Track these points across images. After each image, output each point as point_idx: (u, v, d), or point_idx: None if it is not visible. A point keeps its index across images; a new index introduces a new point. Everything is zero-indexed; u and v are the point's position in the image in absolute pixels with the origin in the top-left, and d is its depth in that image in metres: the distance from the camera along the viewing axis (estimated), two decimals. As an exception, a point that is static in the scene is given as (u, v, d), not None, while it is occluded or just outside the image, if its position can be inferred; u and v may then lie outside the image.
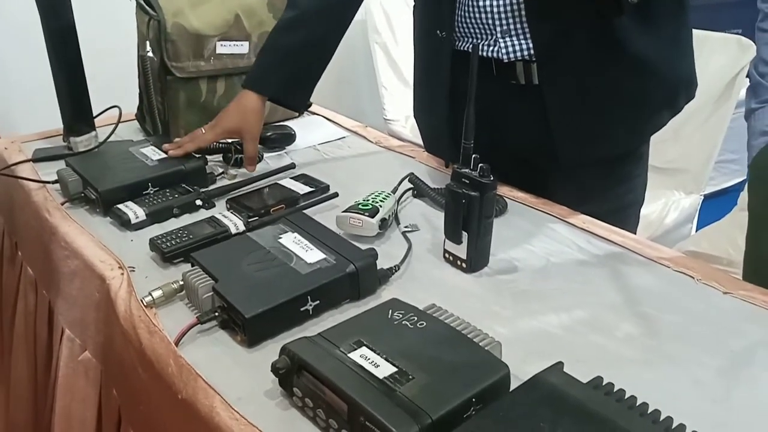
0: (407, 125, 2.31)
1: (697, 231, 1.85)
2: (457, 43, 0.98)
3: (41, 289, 1.04)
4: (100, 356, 0.86)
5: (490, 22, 0.92)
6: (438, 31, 0.98)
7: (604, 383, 0.55)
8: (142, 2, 1.11)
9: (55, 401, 0.93)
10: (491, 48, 0.94)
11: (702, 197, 1.92)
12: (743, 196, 1.66)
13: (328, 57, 1.06)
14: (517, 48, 0.92)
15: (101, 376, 0.86)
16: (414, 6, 1.08)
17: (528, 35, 0.91)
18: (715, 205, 2.03)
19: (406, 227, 0.91)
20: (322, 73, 1.06)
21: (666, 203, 1.83)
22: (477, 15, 0.93)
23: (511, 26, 0.91)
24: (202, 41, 1.13)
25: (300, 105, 1.11)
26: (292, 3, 1.03)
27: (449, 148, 1.02)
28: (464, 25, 0.96)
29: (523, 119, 0.98)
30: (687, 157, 1.84)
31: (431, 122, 1.11)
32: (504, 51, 0.93)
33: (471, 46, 0.83)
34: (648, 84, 0.93)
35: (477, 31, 0.95)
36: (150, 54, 1.11)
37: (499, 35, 0.93)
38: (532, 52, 0.91)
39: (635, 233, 1.02)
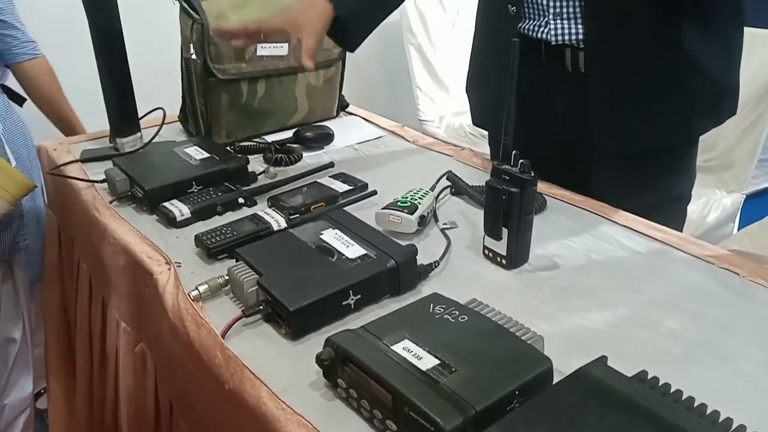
0: (442, 126, 2.31)
1: (739, 230, 1.81)
2: (518, 23, 0.98)
3: (95, 284, 1.08)
4: (152, 348, 0.88)
5: (544, 2, 0.93)
6: (509, 6, 0.98)
7: (649, 377, 0.55)
8: (186, 6, 1.13)
9: (119, 390, 0.96)
10: (542, 30, 0.94)
11: (744, 196, 1.88)
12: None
13: (392, 8, 1.07)
14: (566, 31, 0.92)
15: (154, 367, 0.89)
16: None
17: (580, 19, 0.91)
18: (758, 204, 1.99)
19: (444, 224, 0.92)
20: (380, 23, 1.06)
21: (707, 202, 1.80)
22: None
23: (564, 9, 0.92)
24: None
25: (353, 42, 1.07)
26: None
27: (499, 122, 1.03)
28: (526, 3, 0.96)
29: (569, 107, 0.98)
30: (729, 155, 1.81)
31: (484, 94, 1.11)
32: (553, 33, 0.93)
33: (513, 41, 0.84)
34: (694, 87, 0.92)
35: (532, 11, 0.95)
36: (194, 56, 1.14)
37: (551, 16, 0.93)
38: (581, 37, 0.92)
39: (681, 229, 1.01)
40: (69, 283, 1.25)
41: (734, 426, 0.50)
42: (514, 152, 0.76)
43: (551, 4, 0.92)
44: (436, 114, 2.34)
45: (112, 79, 1.14)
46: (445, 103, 2.31)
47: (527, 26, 0.97)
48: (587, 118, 0.94)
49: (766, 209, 1.70)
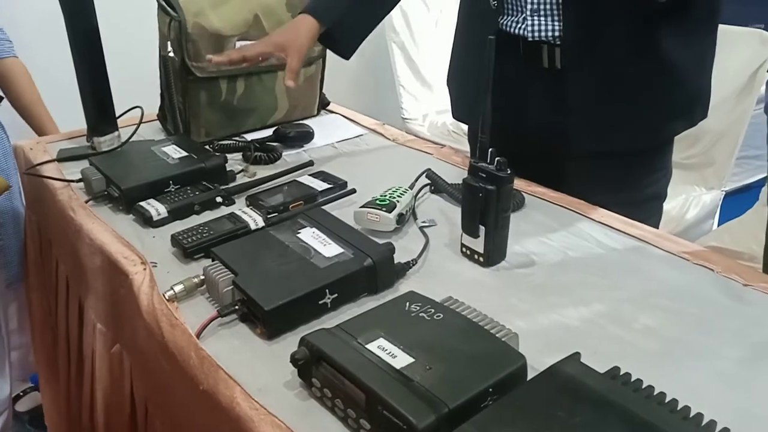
0: (425, 124, 2.32)
1: (719, 227, 1.83)
2: (498, 18, 0.99)
3: (72, 284, 1.07)
4: (127, 349, 0.88)
5: None
6: (491, 1, 0.98)
7: (621, 373, 0.55)
8: (164, 3, 1.12)
9: (95, 391, 0.95)
10: (519, 25, 0.95)
11: (723, 193, 1.89)
12: (765, 192, 1.64)
13: (387, 12, 1.10)
14: (543, 28, 0.93)
15: (130, 368, 0.88)
16: None
17: (558, 16, 0.91)
18: (738, 201, 2.00)
19: (423, 222, 0.92)
20: (375, 27, 1.08)
21: (687, 199, 1.82)
22: None
23: (541, 5, 0.92)
24: (221, 41, 1.15)
25: (347, 50, 1.10)
26: None
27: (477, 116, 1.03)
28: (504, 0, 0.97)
29: (545, 103, 0.98)
30: (708, 152, 1.82)
31: (462, 87, 1.12)
32: (530, 29, 0.93)
33: (488, 39, 0.84)
34: (669, 90, 0.93)
35: (511, 6, 0.96)
36: (171, 54, 1.13)
37: (528, 12, 0.93)
38: (557, 33, 0.92)
39: (657, 226, 1.01)
40: (49, 283, 1.24)
41: (705, 421, 0.50)
42: (490, 150, 0.77)
43: (528, 0, 0.92)
44: (420, 112, 2.34)
45: (89, 77, 1.13)
46: (429, 101, 2.31)
47: (506, 22, 0.97)
48: (563, 115, 0.94)
49: (746, 206, 1.72)
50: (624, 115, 0.93)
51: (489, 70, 0.75)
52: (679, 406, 0.52)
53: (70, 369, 1.10)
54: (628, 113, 0.93)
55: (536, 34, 0.93)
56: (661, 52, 0.89)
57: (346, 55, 1.11)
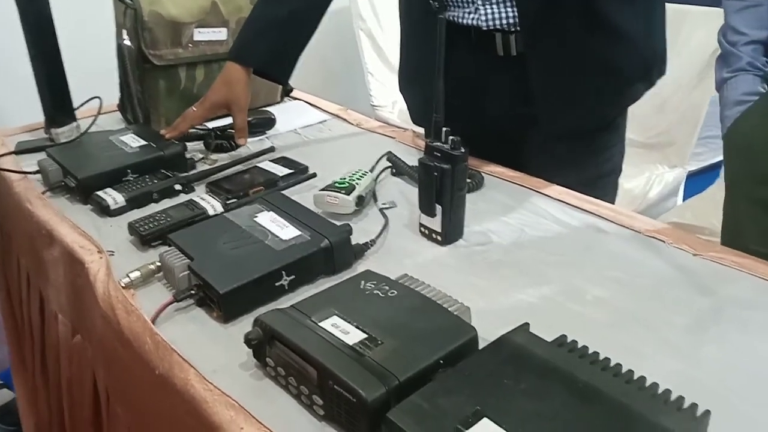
0: (395, 110, 2.32)
1: (681, 204, 1.86)
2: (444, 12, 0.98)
3: (32, 277, 1.06)
4: (88, 338, 0.87)
5: None
6: (431, 1, 0.98)
7: (568, 341, 0.56)
8: (118, -9, 1.11)
9: (59, 383, 0.94)
10: (471, 16, 0.95)
11: (686, 171, 1.92)
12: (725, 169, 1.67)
13: (312, 29, 1.07)
14: (497, 16, 0.93)
15: (91, 357, 0.88)
16: None
17: (510, 3, 0.91)
18: (702, 180, 2.04)
19: (383, 204, 0.92)
20: (305, 45, 1.07)
21: (650, 177, 1.84)
22: None
23: None
24: (179, 29, 1.14)
25: (283, 77, 1.11)
26: None
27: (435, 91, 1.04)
28: None
29: (502, 90, 0.98)
30: (670, 131, 1.85)
31: (420, 92, 1.11)
32: (483, 18, 0.94)
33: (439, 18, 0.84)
34: (625, 55, 0.94)
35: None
36: (127, 42, 1.11)
37: (480, 2, 0.93)
38: (512, 20, 0.92)
39: (614, 201, 1.03)
40: (11, 277, 1.22)
41: (648, 383, 0.52)
42: (444, 129, 0.77)
43: None
44: (389, 99, 2.34)
45: (44, 67, 1.11)
46: (397, 88, 2.31)
47: (454, 14, 0.96)
48: (521, 100, 0.95)
49: (710, 185, 1.74)
50: (587, 90, 0.94)
51: (440, 51, 0.75)
52: (623, 371, 0.53)
53: (35, 362, 1.09)
54: (591, 87, 0.94)
55: (490, 23, 0.93)
56: (612, 22, 0.90)
57: (282, 81, 1.15)
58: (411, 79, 1.13)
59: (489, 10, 0.93)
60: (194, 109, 1.06)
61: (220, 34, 1.18)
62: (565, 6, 0.89)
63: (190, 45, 1.15)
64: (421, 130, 1.16)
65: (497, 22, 0.93)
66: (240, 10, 1.20)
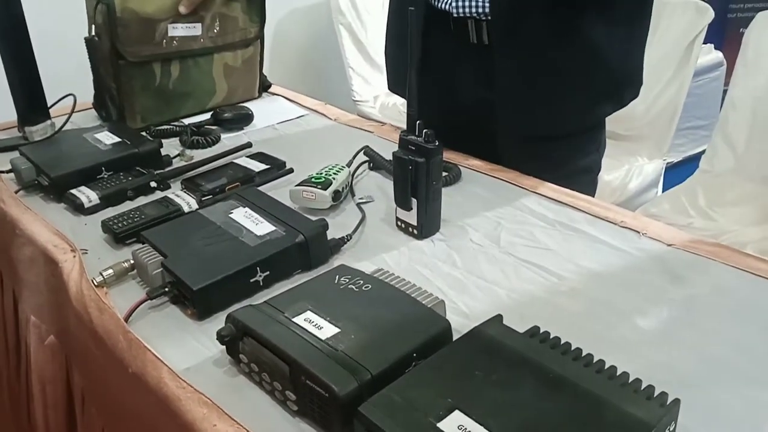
0: (376, 105, 2.31)
1: (660, 195, 1.87)
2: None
3: (6, 278, 1.04)
4: (62, 339, 0.86)
5: None
6: None
7: (540, 332, 0.56)
8: (90, -14, 1.09)
9: (30, 386, 0.93)
10: (446, 0, 0.94)
11: (665, 162, 1.94)
12: (705, 158, 1.69)
13: None
14: (469, 3, 0.92)
15: (66, 358, 0.87)
16: None
17: None
18: (683, 172, 2.05)
19: (360, 199, 0.92)
20: None
21: (629, 170, 1.85)
22: None
23: None
24: (153, 25, 1.12)
25: None
26: None
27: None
28: None
29: (472, 79, 0.98)
30: (649, 123, 1.86)
31: (395, 61, 1.11)
32: (456, 4, 0.93)
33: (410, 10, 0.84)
34: (594, 72, 0.94)
35: None
36: (96, 38, 1.10)
37: None
38: (484, 10, 0.92)
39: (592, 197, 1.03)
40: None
41: (618, 373, 0.52)
42: (418, 122, 0.77)
43: None
44: (370, 94, 2.34)
45: (15, 64, 1.09)
46: (379, 82, 2.31)
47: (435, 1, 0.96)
48: (491, 91, 0.95)
49: (690, 176, 1.75)
50: (549, 97, 0.94)
51: (411, 43, 0.75)
52: (595, 360, 0.53)
53: (9, 364, 1.08)
54: (554, 95, 0.94)
55: (461, 10, 0.93)
56: (585, 37, 0.90)
57: None
58: (388, 48, 1.13)
59: None
60: None
61: (194, 29, 1.17)
62: (538, 7, 0.89)
63: (165, 41, 1.14)
64: (398, 124, 1.16)
65: (468, 9, 0.93)
66: (214, 4, 1.18)
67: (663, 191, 1.95)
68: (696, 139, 2.44)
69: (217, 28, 1.20)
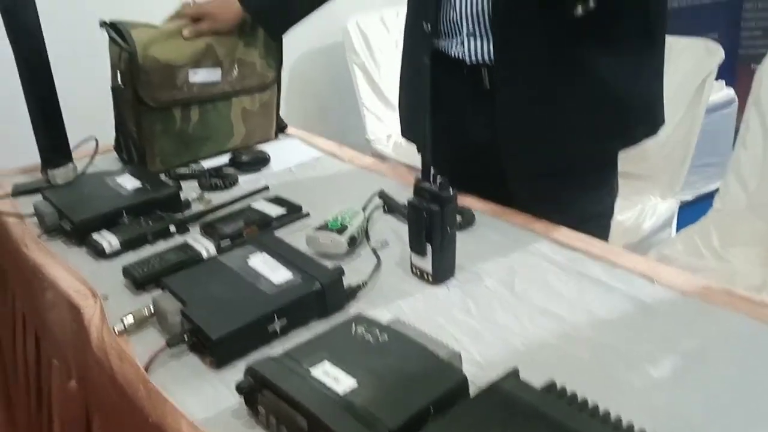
0: (389, 144, 2.34)
1: (674, 236, 1.86)
2: (435, 41, 1.00)
3: (28, 319, 1.06)
4: (83, 383, 0.87)
5: (459, 21, 0.95)
6: (424, 23, 0.99)
7: (557, 388, 0.56)
8: (115, 35, 1.13)
9: (52, 428, 0.94)
10: (458, 48, 0.97)
11: (679, 202, 1.93)
12: (718, 197, 1.69)
13: (311, 8, 1.19)
14: (480, 50, 0.95)
15: (87, 402, 0.88)
16: (407, 3, 1.10)
17: (491, 39, 0.93)
18: (697, 210, 2.05)
19: (375, 243, 0.93)
20: (306, 14, 1.19)
21: (642, 209, 1.85)
22: (451, 13, 0.96)
23: (476, 28, 0.94)
24: (174, 71, 1.16)
25: (274, 31, 1.23)
26: None
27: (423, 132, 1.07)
28: (441, 23, 0.99)
29: (486, 123, 0.99)
30: (661, 162, 1.86)
31: (408, 108, 1.15)
32: (467, 52, 0.96)
33: (423, 62, 0.86)
34: (599, 105, 0.93)
35: (448, 29, 0.98)
36: (122, 85, 1.13)
37: (465, 35, 0.95)
38: (493, 56, 0.94)
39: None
40: (5, 318, 1.23)
41: (636, 430, 0.52)
42: (432, 171, 0.78)
43: (464, 23, 0.94)
44: (384, 132, 2.36)
45: (40, 111, 1.12)
46: (392, 121, 2.33)
47: (445, 45, 0.99)
48: (499, 134, 0.96)
49: (704, 214, 1.75)
50: (557, 134, 0.94)
51: (425, 93, 0.76)
52: (612, 416, 0.53)
53: (30, 405, 1.09)
54: (562, 132, 0.94)
55: (473, 57, 0.95)
56: (588, 69, 0.90)
57: (272, 35, 1.25)
58: (401, 95, 1.16)
59: (473, 44, 0.95)
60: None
61: (214, 74, 1.20)
62: (540, 47, 0.90)
63: (185, 87, 1.17)
64: (412, 163, 1.18)
65: (479, 56, 0.95)
66: (235, 50, 1.22)
67: (677, 230, 1.95)
68: (709, 176, 2.43)
69: (236, 74, 1.23)
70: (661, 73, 0.99)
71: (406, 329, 0.67)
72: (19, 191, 1.15)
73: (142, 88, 1.13)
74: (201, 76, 1.18)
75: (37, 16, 1.07)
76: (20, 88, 1.10)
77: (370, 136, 2.37)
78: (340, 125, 2.43)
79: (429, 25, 0.98)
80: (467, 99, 1.00)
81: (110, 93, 1.19)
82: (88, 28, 1.25)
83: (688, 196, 2.22)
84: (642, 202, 1.85)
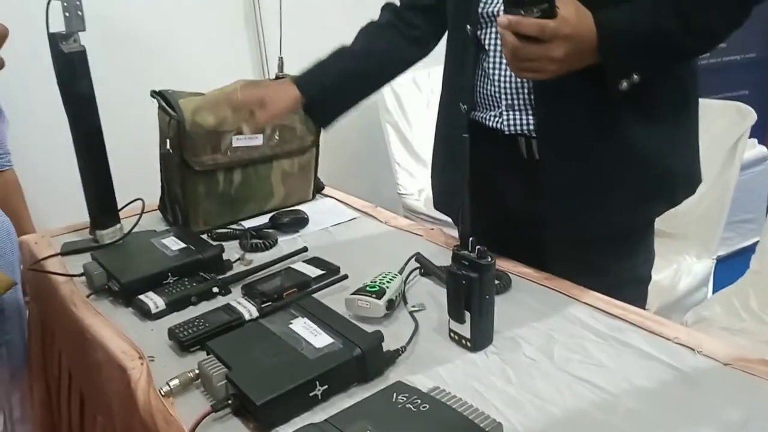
0: (421, 198, 2.37)
1: (713, 294, 1.84)
2: (472, 113, 1.03)
3: (74, 376, 1.09)
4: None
5: (497, 95, 0.98)
6: (461, 104, 1.03)
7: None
8: (164, 104, 1.19)
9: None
10: (496, 119, 1.00)
11: (714, 261, 1.91)
12: (755, 258, 1.67)
13: (368, 93, 1.18)
14: (518, 122, 0.97)
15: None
16: (443, 78, 1.13)
17: (531, 111, 0.96)
18: (732, 266, 2.02)
19: (413, 307, 0.95)
20: (355, 104, 1.17)
21: (678, 269, 1.83)
22: (488, 87, 0.99)
23: (515, 101, 0.97)
24: (218, 137, 1.21)
25: (324, 122, 1.19)
26: (364, 36, 1.16)
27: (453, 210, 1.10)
28: (477, 96, 1.02)
29: (522, 191, 1.02)
30: (696, 222, 1.85)
31: (441, 183, 1.16)
32: (506, 123, 0.98)
33: (462, 137, 0.87)
34: (642, 175, 0.95)
35: (486, 101, 1.01)
36: (171, 150, 1.19)
37: (503, 108, 0.98)
38: (532, 127, 0.96)
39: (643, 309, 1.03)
40: (51, 374, 1.26)
41: None
42: (471, 239, 0.80)
43: (503, 97, 0.97)
44: (415, 187, 2.40)
45: (92, 175, 1.18)
46: (423, 176, 2.38)
47: (482, 116, 1.02)
48: (540, 202, 0.98)
49: (740, 271, 1.73)
50: (599, 201, 0.96)
51: (465, 166, 0.79)
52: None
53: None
54: (604, 199, 0.96)
55: (512, 128, 0.98)
56: (628, 139, 0.92)
57: (322, 125, 1.22)
58: (435, 169, 1.18)
59: (512, 116, 0.98)
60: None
61: (256, 140, 1.25)
62: (580, 120, 0.92)
63: (229, 151, 1.22)
64: (441, 217, 1.20)
65: (518, 127, 0.98)
66: (275, 116, 1.27)
67: (713, 288, 1.92)
68: (744, 233, 2.41)
69: (277, 138, 1.28)
70: (696, 131, 1.01)
71: (447, 398, 0.68)
72: (68, 251, 1.20)
73: (188, 153, 1.18)
74: (244, 141, 1.23)
75: (92, 87, 1.14)
76: (66, 152, 1.16)
77: (401, 190, 2.41)
78: (372, 179, 2.48)
79: (466, 106, 1.01)
80: (503, 167, 1.02)
81: (151, 154, 1.24)
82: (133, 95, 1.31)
83: (723, 252, 2.20)
84: (677, 261, 1.84)
